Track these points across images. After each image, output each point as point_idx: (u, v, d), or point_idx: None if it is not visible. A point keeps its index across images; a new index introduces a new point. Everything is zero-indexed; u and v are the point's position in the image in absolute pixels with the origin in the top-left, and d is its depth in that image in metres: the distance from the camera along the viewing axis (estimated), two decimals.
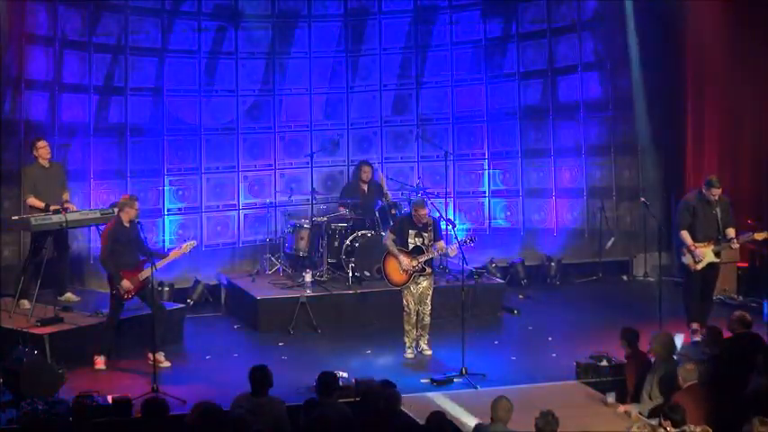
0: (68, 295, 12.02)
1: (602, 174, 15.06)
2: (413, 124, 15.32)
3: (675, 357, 9.43)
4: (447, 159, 14.45)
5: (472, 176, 15.47)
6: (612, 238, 14.65)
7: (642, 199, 12.97)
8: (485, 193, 15.47)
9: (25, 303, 11.47)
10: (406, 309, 11.13)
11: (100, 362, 10.73)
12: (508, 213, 15.41)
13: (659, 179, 14.75)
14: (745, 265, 13.71)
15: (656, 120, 14.80)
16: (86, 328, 11.09)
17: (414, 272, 10.99)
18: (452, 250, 11.26)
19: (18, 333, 10.67)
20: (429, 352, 11.24)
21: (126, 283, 10.61)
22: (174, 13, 14.07)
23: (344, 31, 14.92)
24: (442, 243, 11.13)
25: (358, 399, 9.19)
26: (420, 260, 10.95)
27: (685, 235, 11.35)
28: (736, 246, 11.69)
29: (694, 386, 8.50)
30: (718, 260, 11.46)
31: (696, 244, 11.30)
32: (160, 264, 10.71)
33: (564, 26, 15.01)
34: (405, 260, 10.96)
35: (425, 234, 11.02)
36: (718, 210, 11.37)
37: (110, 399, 9.27)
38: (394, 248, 11.03)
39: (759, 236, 11.46)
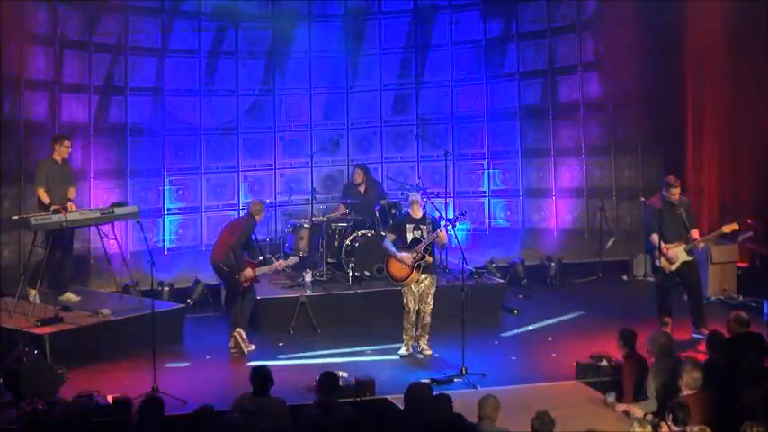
0: (68, 295, 12.00)
1: (602, 174, 15.05)
2: (413, 124, 15.33)
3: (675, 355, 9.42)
4: (447, 159, 14.45)
5: (472, 176, 15.47)
6: (612, 238, 14.64)
7: (642, 199, 12.94)
8: (485, 193, 15.47)
9: (32, 292, 11.46)
10: (405, 307, 11.13)
11: (239, 335, 11.30)
12: (508, 213, 15.41)
13: (659, 179, 14.72)
14: (746, 265, 13.71)
15: (656, 120, 14.79)
16: (86, 327, 11.08)
17: (416, 262, 10.98)
18: (443, 235, 11.25)
19: (18, 333, 10.66)
20: (429, 352, 11.23)
21: (249, 272, 11.30)
22: (174, 13, 14.08)
23: (344, 31, 14.92)
24: (441, 232, 11.12)
25: (358, 399, 9.21)
26: (419, 249, 10.95)
27: (656, 238, 11.47)
28: (701, 246, 11.75)
29: (697, 392, 8.46)
30: (691, 258, 11.55)
31: (668, 245, 11.41)
32: (267, 269, 11.65)
33: (564, 26, 15.01)
34: (405, 255, 10.96)
35: (423, 227, 11.06)
36: (682, 210, 11.56)
37: (110, 399, 9.27)
38: (393, 250, 11.05)
39: (727, 228, 11.60)
